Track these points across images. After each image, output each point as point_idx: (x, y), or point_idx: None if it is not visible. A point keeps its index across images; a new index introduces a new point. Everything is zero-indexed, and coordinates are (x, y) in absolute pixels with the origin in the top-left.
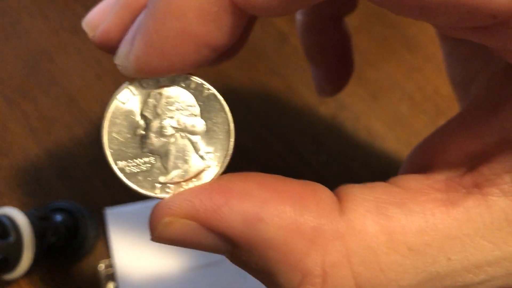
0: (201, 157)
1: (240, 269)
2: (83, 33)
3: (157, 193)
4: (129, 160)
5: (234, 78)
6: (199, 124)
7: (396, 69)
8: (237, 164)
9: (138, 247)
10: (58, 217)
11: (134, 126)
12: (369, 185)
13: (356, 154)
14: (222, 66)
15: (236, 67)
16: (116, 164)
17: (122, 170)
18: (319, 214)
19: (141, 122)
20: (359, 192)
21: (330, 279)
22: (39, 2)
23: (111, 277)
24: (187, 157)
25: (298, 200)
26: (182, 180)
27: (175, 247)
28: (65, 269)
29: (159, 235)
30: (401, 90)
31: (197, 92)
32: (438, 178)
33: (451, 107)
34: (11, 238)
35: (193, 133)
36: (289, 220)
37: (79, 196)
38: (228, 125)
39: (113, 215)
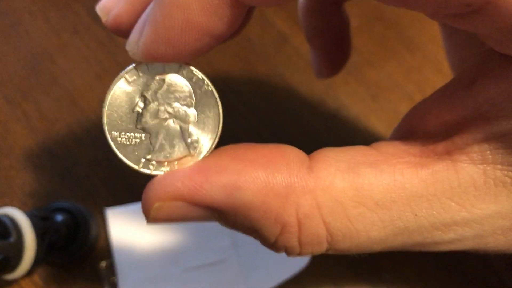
0: (187, 144)
1: (241, 269)
2: (84, 33)
3: (140, 167)
4: (122, 133)
5: (234, 77)
6: (192, 114)
7: (396, 70)
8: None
9: (139, 246)
10: (59, 217)
11: (133, 103)
12: (346, 148)
13: None
14: (222, 65)
15: (236, 66)
16: (110, 133)
17: (114, 139)
18: (289, 174)
19: (140, 102)
20: (332, 154)
21: (304, 227)
22: (40, 3)
23: (112, 276)
24: (174, 142)
25: (269, 164)
26: (165, 160)
27: (175, 248)
28: (66, 269)
29: (154, 218)
30: (401, 90)
31: (197, 86)
32: (414, 145)
33: None
34: (12, 238)
35: (185, 121)
36: (263, 183)
37: (80, 196)
38: (219, 121)
39: (114, 214)
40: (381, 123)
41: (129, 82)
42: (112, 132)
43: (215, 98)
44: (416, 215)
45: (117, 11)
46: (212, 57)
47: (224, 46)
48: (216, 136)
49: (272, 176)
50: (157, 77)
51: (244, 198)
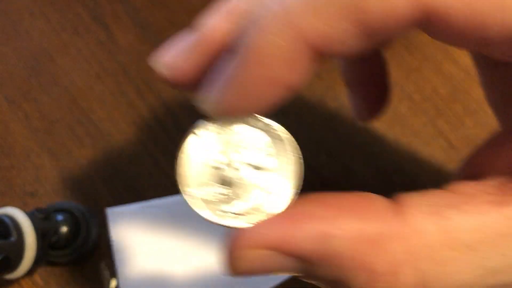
0: (266, 194)
1: None
2: (84, 34)
3: (216, 220)
4: (197, 187)
5: None
6: (268, 163)
7: (395, 70)
8: None
9: (139, 246)
10: (60, 217)
11: (207, 157)
12: (425, 192)
13: (356, 154)
14: None
15: None
16: (184, 189)
17: (189, 195)
18: (380, 221)
19: (214, 155)
20: (416, 198)
21: (398, 276)
22: (40, 3)
23: (113, 276)
24: (252, 192)
25: (360, 212)
26: (242, 212)
27: (175, 248)
28: (67, 269)
29: (237, 268)
30: (401, 90)
31: (268, 133)
32: (490, 184)
33: (450, 107)
34: (13, 238)
35: (261, 169)
36: (357, 231)
37: (80, 196)
38: (299, 167)
39: (114, 214)
40: (381, 124)
41: (199, 136)
42: (187, 188)
43: (292, 143)
44: (503, 254)
45: (180, 65)
46: None
47: None
48: (298, 183)
49: (365, 224)
50: (228, 129)
51: (337, 246)
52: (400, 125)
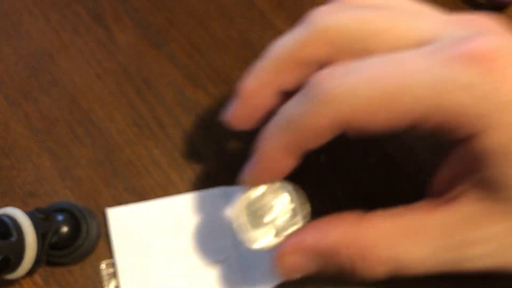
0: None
1: (241, 268)
2: (84, 34)
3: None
4: (249, 233)
5: (233, 77)
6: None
7: None
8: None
9: (140, 246)
10: (60, 217)
11: (251, 213)
12: (388, 209)
13: (356, 154)
14: (223, 66)
15: (236, 67)
16: (242, 237)
17: (246, 240)
18: (357, 228)
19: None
20: (380, 211)
21: (370, 255)
22: (40, 4)
23: (113, 276)
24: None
25: (341, 223)
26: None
27: (176, 248)
28: (67, 269)
29: (283, 267)
30: None
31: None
32: (437, 198)
33: None
34: (13, 238)
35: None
36: (335, 237)
37: (81, 196)
38: (305, 205)
39: (115, 214)
40: None
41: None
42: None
43: (302, 194)
44: (443, 236)
45: (235, 119)
46: (212, 58)
47: (225, 48)
48: (306, 215)
49: (338, 229)
50: (256, 194)
51: (329, 245)
52: None
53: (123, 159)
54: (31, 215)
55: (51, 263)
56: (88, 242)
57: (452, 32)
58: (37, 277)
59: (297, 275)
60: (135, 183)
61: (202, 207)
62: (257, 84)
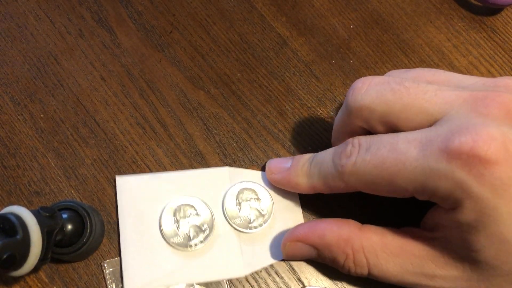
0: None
1: (238, 245)
2: (89, 36)
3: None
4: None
5: (234, 80)
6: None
7: None
8: (238, 160)
9: (143, 212)
10: (65, 215)
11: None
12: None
13: None
14: (224, 68)
15: (237, 69)
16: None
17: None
18: (349, 230)
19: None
20: (373, 227)
21: (355, 257)
22: (45, 7)
23: (116, 275)
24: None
25: (340, 225)
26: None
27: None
28: (71, 267)
29: (287, 252)
30: None
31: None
32: (418, 232)
33: None
34: (19, 236)
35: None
36: (337, 234)
37: (85, 195)
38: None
39: (123, 182)
40: None
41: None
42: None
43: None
44: (411, 264)
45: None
46: (213, 60)
47: (225, 50)
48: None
49: (342, 231)
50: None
51: (328, 240)
52: None
53: (127, 159)
54: (37, 214)
55: (55, 260)
56: (92, 240)
57: (459, 114)
58: (42, 274)
59: (296, 259)
60: None
61: (207, 183)
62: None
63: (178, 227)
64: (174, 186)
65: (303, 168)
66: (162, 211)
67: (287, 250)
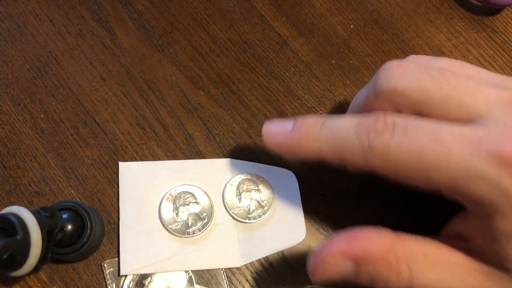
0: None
1: (236, 235)
2: (88, 36)
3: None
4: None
5: (234, 80)
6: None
7: None
8: (236, 158)
9: (143, 198)
10: (65, 216)
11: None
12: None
13: None
14: (224, 68)
15: (237, 69)
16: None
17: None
18: (392, 241)
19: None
20: (410, 236)
21: (399, 270)
22: (45, 7)
23: (116, 275)
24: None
25: (377, 232)
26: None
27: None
28: (71, 267)
29: (318, 271)
30: None
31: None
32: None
33: None
34: (19, 236)
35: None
36: (380, 246)
37: (85, 195)
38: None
39: (125, 167)
40: None
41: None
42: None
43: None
44: (451, 275)
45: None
46: (213, 60)
47: (225, 50)
48: (270, 205)
49: (384, 239)
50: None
51: (372, 250)
52: None
53: (127, 159)
54: (37, 214)
55: (55, 260)
56: (93, 240)
57: (503, 116)
58: (42, 274)
59: (330, 277)
60: None
61: (208, 172)
62: None
63: (177, 214)
64: (176, 174)
65: (311, 130)
66: (163, 197)
67: (318, 267)
